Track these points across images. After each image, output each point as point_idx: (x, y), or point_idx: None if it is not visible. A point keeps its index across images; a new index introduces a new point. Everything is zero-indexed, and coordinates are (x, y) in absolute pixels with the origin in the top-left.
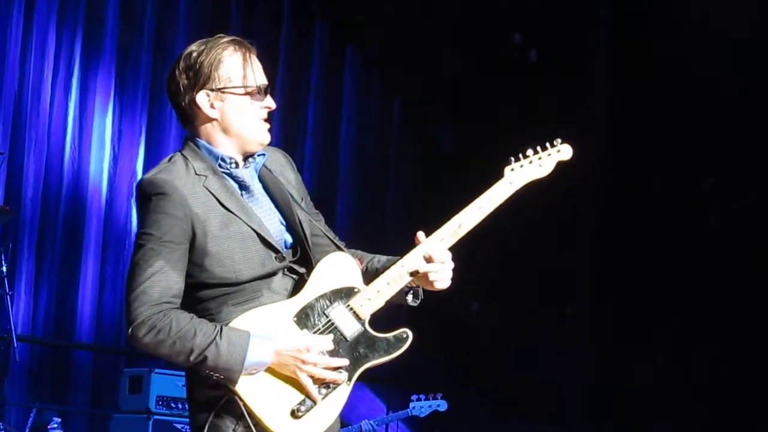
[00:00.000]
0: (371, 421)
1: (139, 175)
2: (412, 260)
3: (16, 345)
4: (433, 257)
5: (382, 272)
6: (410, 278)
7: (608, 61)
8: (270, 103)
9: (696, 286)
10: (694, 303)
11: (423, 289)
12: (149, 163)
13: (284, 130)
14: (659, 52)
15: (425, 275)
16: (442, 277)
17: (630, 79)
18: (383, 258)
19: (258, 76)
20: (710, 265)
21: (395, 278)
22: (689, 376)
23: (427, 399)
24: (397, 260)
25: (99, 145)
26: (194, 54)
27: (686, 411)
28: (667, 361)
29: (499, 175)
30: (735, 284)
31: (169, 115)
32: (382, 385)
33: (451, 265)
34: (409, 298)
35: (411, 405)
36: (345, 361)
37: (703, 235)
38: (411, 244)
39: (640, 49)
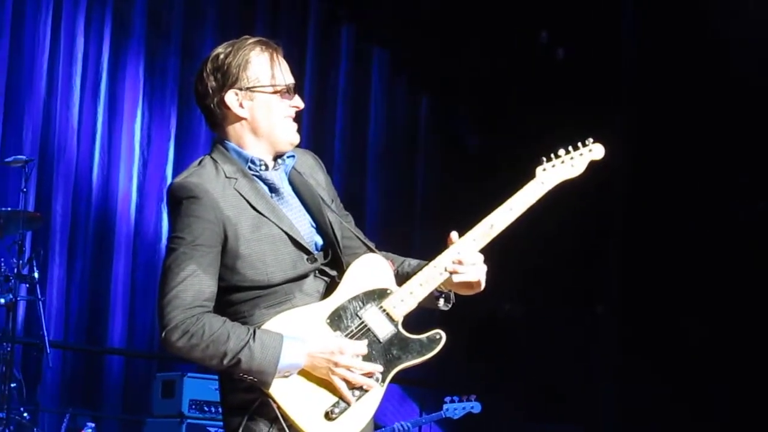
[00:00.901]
0: (404, 423)
1: (169, 180)
2: (445, 261)
3: (48, 351)
4: (463, 259)
5: (414, 274)
6: (443, 279)
7: (635, 59)
8: (298, 102)
9: (726, 282)
10: (724, 301)
11: (455, 293)
12: (179, 167)
13: (312, 133)
14: (686, 50)
15: (461, 279)
16: (475, 278)
17: (657, 76)
18: (414, 261)
19: (286, 76)
20: (740, 260)
21: (428, 279)
22: (721, 375)
23: (460, 401)
24: (430, 262)
25: (128, 151)
26: (221, 56)
27: (721, 410)
28: (698, 361)
29: (527, 175)
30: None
31: (198, 120)
32: (415, 387)
33: (484, 267)
34: (441, 302)
35: (444, 407)
36: (378, 366)
37: (733, 230)
38: (438, 244)
39: (666, 47)
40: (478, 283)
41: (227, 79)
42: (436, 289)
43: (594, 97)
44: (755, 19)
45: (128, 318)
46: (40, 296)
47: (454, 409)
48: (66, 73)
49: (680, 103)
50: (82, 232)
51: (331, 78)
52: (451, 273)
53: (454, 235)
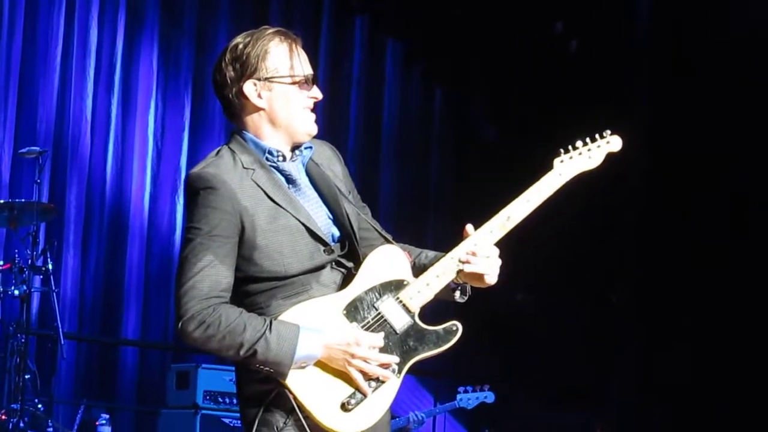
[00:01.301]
0: (419, 413)
1: (183, 171)
2: (461, 252)
3: (63, 342)
4: (477, 251)
5: (431, 266)
6: (460, 270)
7: (650, 48)
8: (316, 93)
9: (742, 274)
10: (740, 292)
11: (471, 286)
12: (193, 158)
13: (326, 123)
14: (702, 40)
15: (472, 270)
16: (488, 270)
17: (672, 66)
18: (431, 253)
19: (305, 67)
20: (757, 253)
21: (445, 270)
22: (739, 364)
23: (474, 391)
24: (447, 253)
25: (142, 142)
26: (240, 45)
27: (737, 400)
28: (712, 351)
29: (542, 166)
30: None
31: (212, 111)
32: (429, 378)
33: (498, 261)
34: (457, 294)
35: (458, 397)
36: (395, 358)
37: (749, 223)
38: (453, 236)
39: (682, 37)
40: (490, 276)
41: (246, 69)
42: (452, 281)
43: (610, 89)
44: None
45: (142, 309)
46: (54, 288)
47: (468, 399)
48: (80, 65)
49: (698, 90)
50: (97, 223)
51: (344, 68)
52: (463, 263)
53: (469, 227)
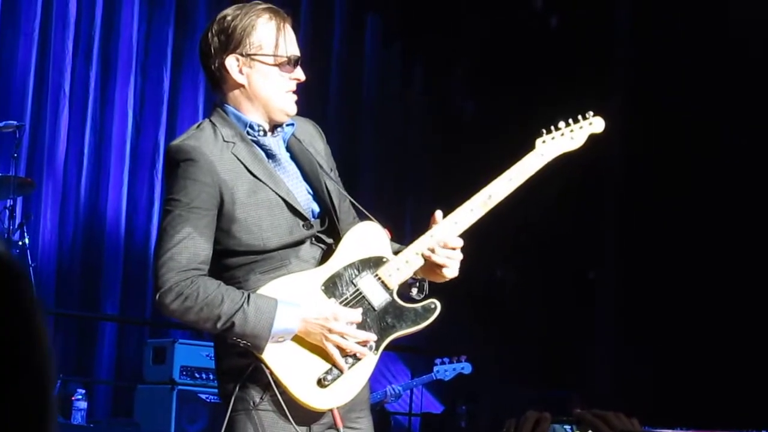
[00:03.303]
0: (396, 386)
1: (162, 146)
2: (442, 232)
3: None
4: (447, 243)
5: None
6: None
7: (630, 24)
8: (299, 74)
9: (722, 252)
10: (721, 271)
11: (428, 283)
12: (171, 133)
13: (305, 99)
14: (682, 17)
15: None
16: (449, 263)
17: (652, 41)
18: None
19: (290, 47)
20: (736, 232)
21: (424, 247)
22: (718, 342)
23: (451, 362)
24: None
25: (121, 116)
26: (228, 17)
27: (720, 369)
28: (694, 327)
29: (523, 144)
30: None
31: (191, 86)
32: (406, 352)
33: (460, 255)
34: (414, 291)
35: (435, 368)
36: (373, 336)
37: (728, 202)
38: (431, 213)
39: (662, 12)
40: (450, 270)
41: (230, 42)
42: (410, 277)
43: (590, 66)
44: None
45: (121, 283)
46: (30, 262)
47: (445, 370)
48: (58, 38)
49: (678, 65)
50: (73, 197)
51: (325, 45)
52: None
53: (438, 214)
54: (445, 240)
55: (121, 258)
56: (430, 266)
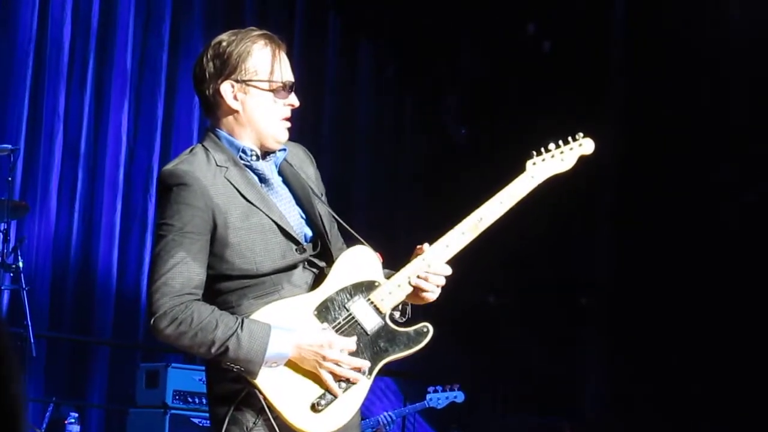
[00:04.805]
0: (389, 413)
1: (156, 170)
2: (434, 255)
3: (33, 341)
4: (438, 271)
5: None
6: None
7: (623, 51)
8: (294, 100)
9: (716, 273)
10: (715, 292)
11: (411, 307)
12: (165, 158)
13: (298, 125)
14: (674, 39)
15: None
16: (432, 289)
17: (645, 67)
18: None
19: (285, 73)
20: (731, 252)
21: (416, 272)
22: (710, 366)
23: (444, 390)
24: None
25: (114, 141)
26: (224, 43)
27: (709, 399)
28: (686, 354)
29: (514, 169)
30: (757, 273)
31: (185, 112)
32: (399, 378)
33: (443, 281)
34: (396, 314)
35: (428, 396)
36: (366, 363)
37: (722, 222)
38: (424, 237)
39: (655, 37)
40: (432, 294)
41: (225, 67)
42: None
43: (582, 90)
44: (749, 8)
45: (114, 307)
46: (24, 285)
47: (438, 398)
48: (53, 63)
49: (671, 89)
50: (67, 221)
51: (317, 69)
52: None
53: (425, 246)
54: (435, 267)
55: (114, 281)
56: (414, 290)
